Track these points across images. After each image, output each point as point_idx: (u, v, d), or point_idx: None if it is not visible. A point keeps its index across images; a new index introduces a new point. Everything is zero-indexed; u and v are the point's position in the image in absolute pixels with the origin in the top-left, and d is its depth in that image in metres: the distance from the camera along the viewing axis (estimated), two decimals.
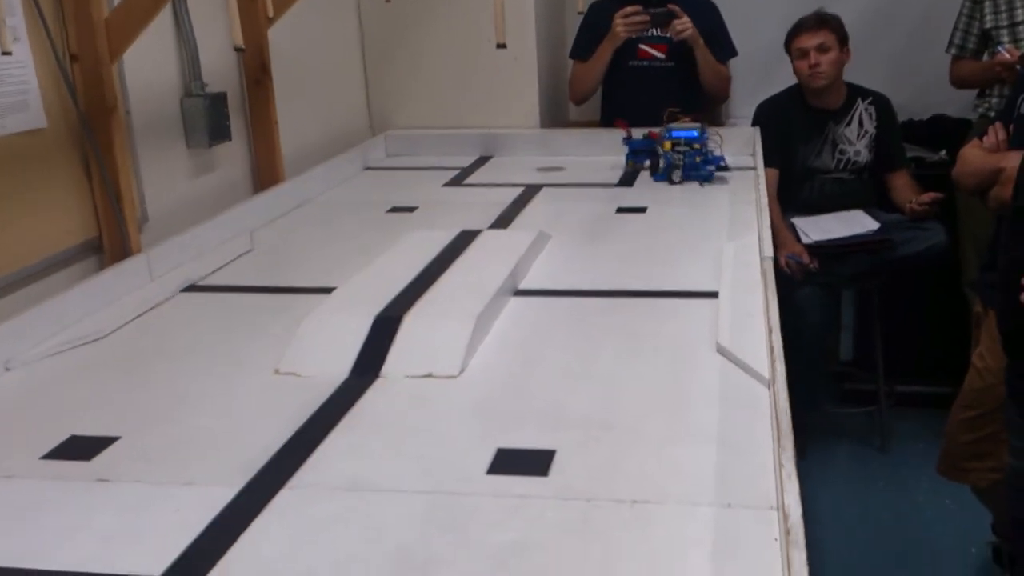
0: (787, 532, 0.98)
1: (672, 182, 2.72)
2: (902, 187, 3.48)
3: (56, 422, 1.41)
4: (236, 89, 2.65)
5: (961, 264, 3.49)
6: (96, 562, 1.07)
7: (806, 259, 3.26)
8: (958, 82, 3.51)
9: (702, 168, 2.72)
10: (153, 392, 1.53)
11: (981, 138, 2.41)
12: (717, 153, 2.78)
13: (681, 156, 2.70)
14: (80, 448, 1.33)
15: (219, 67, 2.54)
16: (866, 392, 3.67)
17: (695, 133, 2.71)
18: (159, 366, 1.64)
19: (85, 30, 1.99)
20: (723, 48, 3.53)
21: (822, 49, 3.35)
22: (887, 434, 3.57)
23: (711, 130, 2.78)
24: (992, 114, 3.23)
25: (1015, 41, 3.27)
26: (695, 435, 1.31)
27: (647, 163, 2.86)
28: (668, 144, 2.73)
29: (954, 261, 3.48)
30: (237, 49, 2.48)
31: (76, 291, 1.84)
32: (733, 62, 3.61)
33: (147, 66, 2.26)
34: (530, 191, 2.76)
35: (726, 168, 2.77)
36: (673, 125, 2.75)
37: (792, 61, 3.43)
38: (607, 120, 3.63)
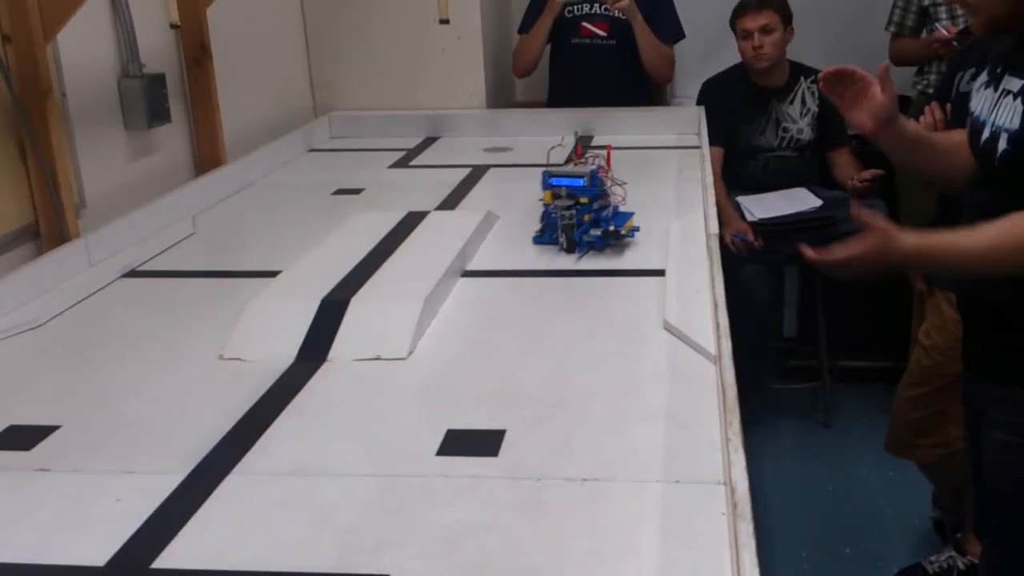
0: (734, 505, 0.99)
1: (561, 248, 1.95)
2: (844, 164, 3.52)
3: None
4: (175, 70, 2.59)
5: None
6: (37, 554, 1.05)
7: (751, 237, 3.29)
8: (897, 59, 3.55)
9: (586, 231, 1.93)
10: (93, 380, 1.50)
11: (918, 118, 2.44)
12: (620, 207, 2.03)
13: (571, 214, 1.92)
14: (19, 438, 1.30)
15: (157, 47, 2.49)
16: (809, 368, 3.72)
17: (580, 181, 1.92)
18: (99, 353, 1.61)
19: (18, 9, 1.93)
20: (667, 28, 3.54)
21: (766, 30, 3.37)
22: (830, 409, 3.62)
23: (607, 175, 2.02)
24: (931, 91, 3.28)
25: (952, 18, 3.32)
26: (644, 412, 1.32)
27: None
28: (548, 195, 1.96)
29: None
30: (173, 26, 2.43)
31: (12, 278, 1.80)
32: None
33: (82, 46, 2.20)
34: (477, 172, 2.75)
35: (629, 234, 1.97)
36: (554, 169, 1.99)
37: (736, 40, 3.44)
38: (554, 100, 3.63)
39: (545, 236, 2.02)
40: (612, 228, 1.93)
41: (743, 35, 3.40)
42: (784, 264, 3.67)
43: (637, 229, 1.98)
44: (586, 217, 1.93)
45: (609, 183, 2.02)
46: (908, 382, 2.47)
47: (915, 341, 2.47)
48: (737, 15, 3.42)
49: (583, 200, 1.93)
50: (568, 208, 1.92)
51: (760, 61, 3.40)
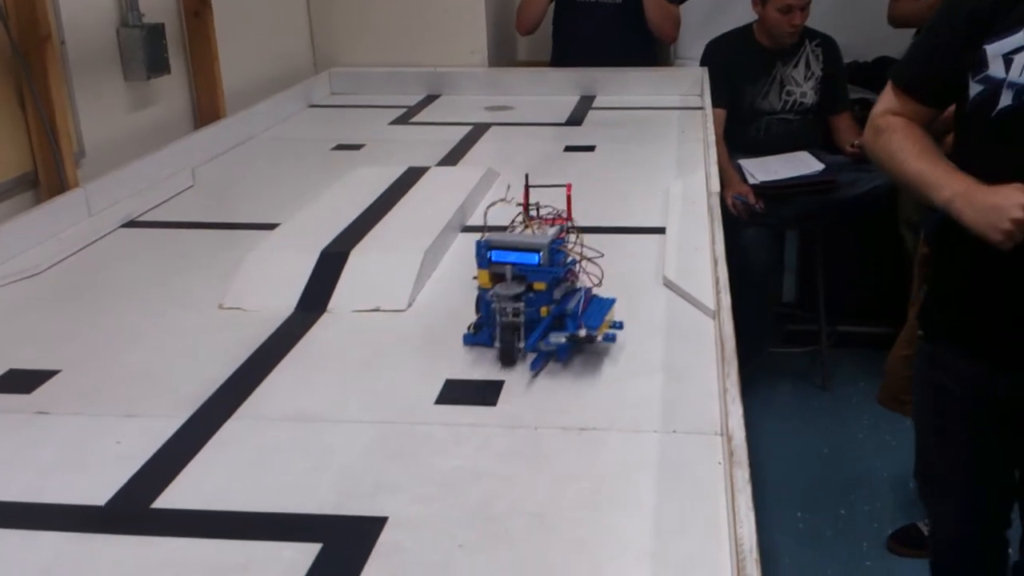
0: (731, 453, 1.00)
1: (511, 362, 1.31)
2: (845, 129, 3.51)
3: None
4: (175, 21, 2.57)
5: (898, 204, 3.53)
6: (38, 493, 1.06)
7: (752, 199, 3.29)
8: (896, 21, 3.52)
9: (543, 334, 1.29)
10: (93, 327, 1.50)
11: None
12: (593, 289, 1.38)
13: (516, 309, 1.28)
14: (18, 381, 1.31)
15: None
16: (808, 332, 3.74)
17: (534, 257, 1.29)
18: (99, 301, 1.61)
19: None
20: None
21: (804, 7, 3.35)
22: (828, 373, 3.64)
23: (574, 243, 1.38)
24: None
25: None
26: (642, 366, 1.32)
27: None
28: (485, 276, 1.32)
29: (892, 202, 3.53)
30: None
31: (11, 226, 1.80)
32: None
33: None
34: (478, 130, 2.74)
35: (609, 336, 1.32)
36: (496, 237, 1.32)
37: (765, 7, 3.38)
38: (557, 59, 3.61)
39: (483, 334, 1.35)
40: (583, 331, 1.28)
41: (783, 8, 3.34)
42: (784, 228, 3.67)
43: (620, 326, 1.37)
44: (544, 311, 1.30)
45: (577, 256, 1.36)
46: (904, 340, 2.48)
47: (915, 302, 2.47)
48: None
49: (539, 286, 1.30)
50: (515, 299, 1.28)
51: (794, 36, 3.40)
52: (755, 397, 3.44)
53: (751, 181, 3.35)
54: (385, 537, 0.96)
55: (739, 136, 3.49)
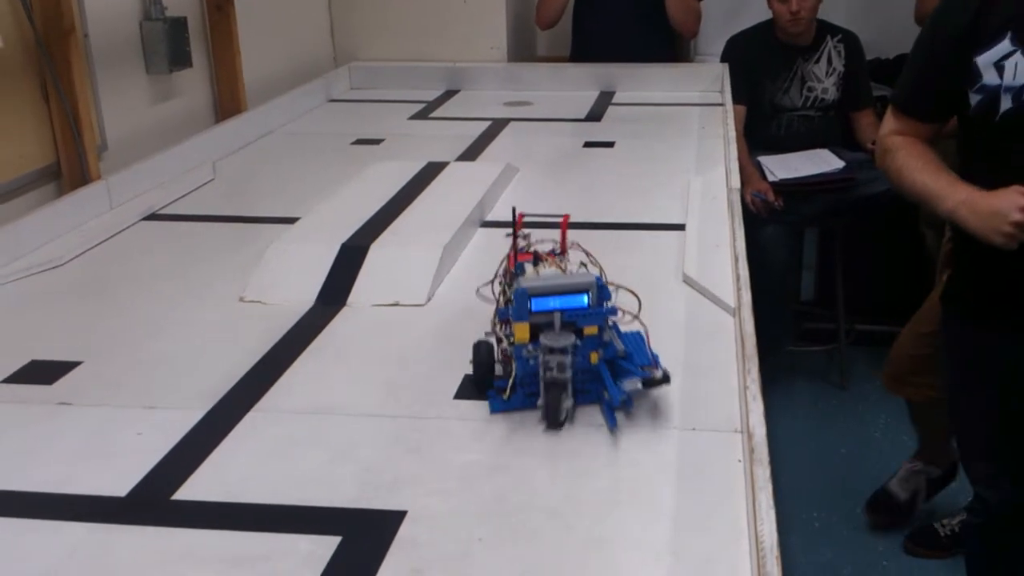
0: (751, 450, 0.99)
1: (557, 424, 1.14)
2: (867, 126, 3.48)
3: (16, 347, 1.39)
4: (197, 14, 2.58)
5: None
6: (60, 484, 1.06)
7: (771, 197, 3.27)
8: (923, 20, 3.50)
9: (617, 384, 1.14)
10: (115, 319, 1.51)
11: None
12: (624, 327, 1.22)
13: (560, 363, 1.12)
14: (41, 372, 1.32)
15: None
16: (826, 331, 3.72)
17: (582, 300, 1.14)
18: (121, 293, 1.62)
19: None
20: None
21: None
22: (846, 372, 3.62)
23: (611, 284, 1.20)
24: None
25: None
26: (662, 362, 1.31)
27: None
28: (523, 329, 1.14)
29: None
30: None
31: (34, 217, 1.81)
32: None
33: None
34: (497, 125, 2.74)
35: (656, 379, 1.15)
36: (536, 283, 1.15)
37: (770, 1, 3.38)
38: (577, 54, 3.60)
39: (518, 397, 1.17)
40: (659, 372, 1.15)
41: None
42: (804, 226, 3.66)
43: (663, 373, 1.17)
44: (594, 356, 1.15)
45: (614, 288, 1.21)
46: (919, 318, 2.47)
47: (937, 284, 2.46)
48: None
49: (590, 331, 1.14)
50: (563, 352, 1.11)
51: (797, 26, 3.36)
52: (772, 395, 3.42)
53: (771, 178, 3.34)
54: (404, 531, 0.96)
55: (759, 132, 3.48)
